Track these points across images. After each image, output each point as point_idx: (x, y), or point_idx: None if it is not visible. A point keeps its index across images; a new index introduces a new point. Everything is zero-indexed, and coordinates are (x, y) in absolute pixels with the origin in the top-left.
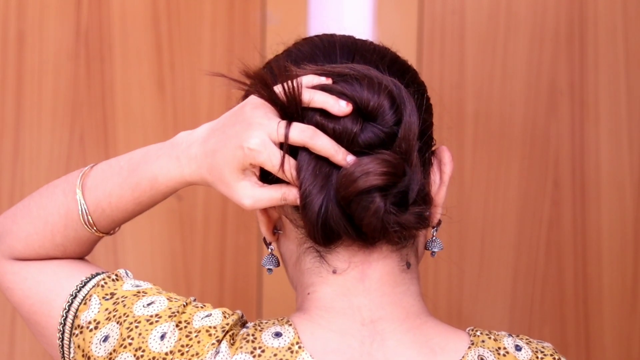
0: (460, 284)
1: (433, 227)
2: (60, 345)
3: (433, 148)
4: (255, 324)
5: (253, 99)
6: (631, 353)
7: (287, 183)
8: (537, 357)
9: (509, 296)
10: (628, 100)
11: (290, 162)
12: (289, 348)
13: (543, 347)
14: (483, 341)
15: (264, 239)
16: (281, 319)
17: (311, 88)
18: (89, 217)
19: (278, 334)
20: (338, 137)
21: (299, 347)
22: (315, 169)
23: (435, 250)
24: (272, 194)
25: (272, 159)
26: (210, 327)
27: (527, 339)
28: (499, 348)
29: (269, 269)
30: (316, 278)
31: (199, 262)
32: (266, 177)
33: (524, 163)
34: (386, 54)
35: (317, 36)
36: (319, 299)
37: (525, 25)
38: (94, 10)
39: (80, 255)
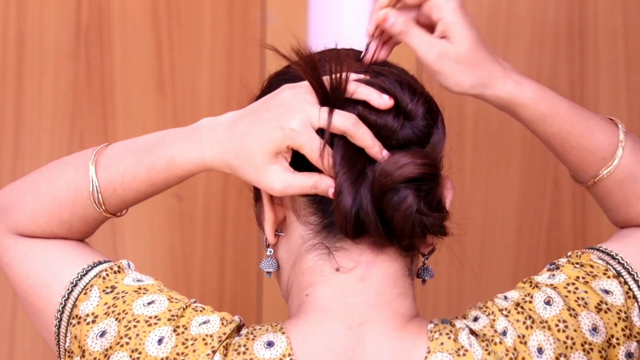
0: (460, 284)
1: (424, 256)
2: (56, 332)
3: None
4: (248, 332)
5: (290, 85)
6: None
7: (318, 172)
8: (486, 349)
9: None
10: (628, 100)
11: (328, 150)
12: (281, 359)
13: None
14: (442, 343)
15: (265, 240)
16: (275, 325)
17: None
18: (100, 196)
19: (270, 344)
20: (378, 130)
21: (291, 359)
22: (351, 161)
23: (427, 278)
24: (304, 181)
25: (312, 143)
26: (207, 335)
27: (473, 323)
28: (459, 349)
29: (268, 272)
30: (317, 277)
31: (199, 262)
32: (295, 166)
33: (524, 163)
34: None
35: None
36: (316, 300)
37: (525, 25)
38: (94, 10)
39: (85, 235)
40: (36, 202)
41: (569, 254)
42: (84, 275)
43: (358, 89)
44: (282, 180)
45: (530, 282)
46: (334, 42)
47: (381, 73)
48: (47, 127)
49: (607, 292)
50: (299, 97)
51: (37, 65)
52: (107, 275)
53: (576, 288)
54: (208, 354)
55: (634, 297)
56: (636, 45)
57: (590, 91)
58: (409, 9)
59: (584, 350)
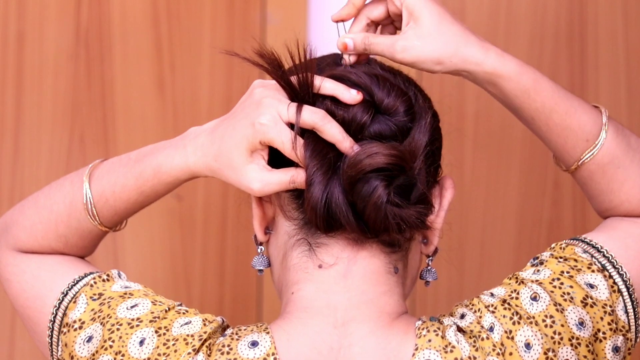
0: (460, 284)
1: (428, 257)
2: (49, 342)
3: (438, 178)
4: (232, 332)
5: (260, 82)
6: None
7: (295, 167)
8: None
9: None
10: (628, 100)
11: (299, 141)
12: (264, 359)
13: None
14: (429, 340)
15: (255, 238)
16: (260, 326)
17: (327, 76)
18: (93, 207)
19: (254, 344)
20: (347, 125)
21: (275, 359)
22: (322, 153)
23: (430, 279)
24: (282, 177)
25: (282, 135)
26: (188, 335)
27: (460, 320)
28: (446, 346)
29: (259, 269)
30: (302, 274)
31: (199, 262)
32: (273, 165)
33: (524, 163)
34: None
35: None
36: (301, 298)
37: (525, 25)
38: (94, 10)
39: (83, 252)
40: (34, 216)
41: (552, 246)
42: (74, 284)
43: (325, 83)
44: (260, 179)
45: (516, 278)
46: (333, 42)
47: (361, 69)
48: (47, 127)
49: (592, 286)
50: (269, 94)
51: (37, 65)
52: (96, 283)
53: (561, 283)
54: (189, 353)
55: (619, 291)
56: (636, 45)
57: (590, 91)
58: (382, 23)
59: (571, 345)
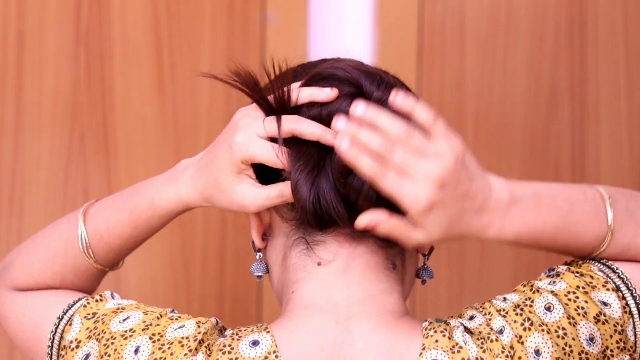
0: (460, 284)
1: (424, 255)
2: None
3: None
4: (233, 333)
5: (241, 109)
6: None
7: (283, 181)
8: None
9: None
10: (628, 100)
11: (282, 149)
12: (266, 357)
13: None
14: (437, 341)
15: (252, 244)
16: (260, 326)
17: (313, 74)
18: (87, 244)
19: (255, 343)
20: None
21: (276, 357)
22: (305, 154)
23: (426, 278)
24: (270, 192)
25: (262, 148)
26: (182, 337)
27: (469, 322)
28: (454, 346)
29: (258, 275)
30: (301, 273)
31: (199, 263)
32: (267, 182)
33: (524, 163)
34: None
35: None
36: (301, 297)
37: (525, 25)
38: (94, 11)
39: (80, 289)
40: (31, 253)
41: (568, 262)
42: (68, 309)
43: (300, 94)
44: (251, 196)
45: (532, 286)
46: (334, 42)
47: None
48: (47, 127)
49: (605, 304)
50: (244, 114)
51: (37, 65)
52: (89, 303)
53: (577, 297)
54: (185, 354)
55: (630, 312)
56: (636, 45)
57: (590, 91)
58: None
59: (580, 358)
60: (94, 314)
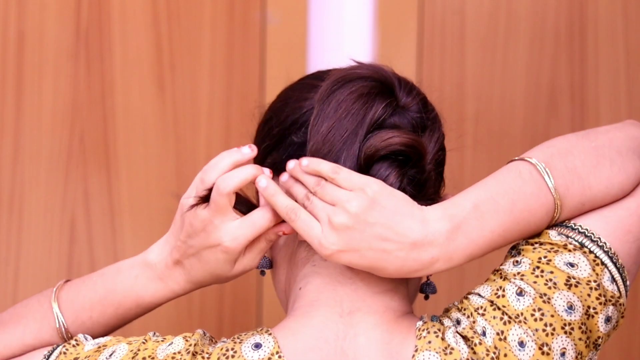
0: (460, 284)
1: None
2: None
3: (442, 194)
4: (234, 338)
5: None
6: (631, 355)
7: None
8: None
9: None
10: (628, 100)
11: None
12: (269, 358)
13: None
14: (430, 342)
15: None
16: (260, 330)
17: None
18: (66, 329)
19: (258, 345)
20: (365, 119)
21: (279, 357)
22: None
23: (429, 294)
24: (249, 230)
25: (199, 214)
26: (175, 353)
27: (460, 315)
28: (446, 347)
29: (262, 270)
30: (309, 268)
31: None
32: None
33: None
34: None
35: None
36: (308, 292)
37: (525, 25)
38: (94, 10)
39: None
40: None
41: (527, 239)
42: (47, 358)
43: (232, 182)
44: (237, 238)
45: (500, 273)
46: (334, 42)
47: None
48: (47, 127)
49: (571, 265)
50: (209, 215)
51: (37, 65)
52: (67, 350)
53: (542, 271)
54: None
55: (602, 263)
56: (636, 45)
57: (590, 91)
58: None
59: (565, 332)
60: (76, 358)
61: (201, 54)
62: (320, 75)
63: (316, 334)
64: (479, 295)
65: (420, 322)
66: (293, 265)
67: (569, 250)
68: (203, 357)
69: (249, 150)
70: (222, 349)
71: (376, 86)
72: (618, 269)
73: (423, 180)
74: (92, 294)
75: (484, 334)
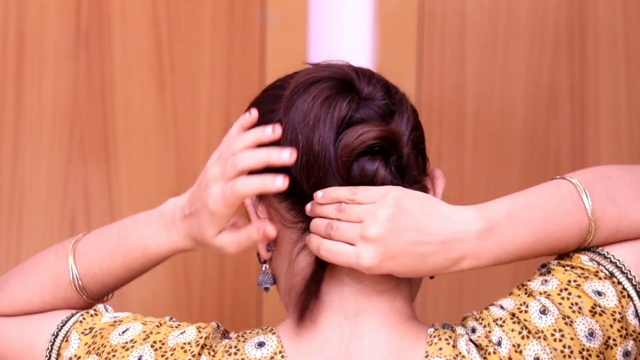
0: (460, 284)
1: None
2: None
3: (427, 171)
4: (238, 335)
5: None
6: None
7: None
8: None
9: None
10: (628, 100)
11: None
12: (272, 357)
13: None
14: (440, 349)
15: (257, 256)
16: (265, 328)
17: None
18: (80, 282)
19: (261, 344)
20: (333, 121)
21: (282, 357)
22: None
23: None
24: (241, 238)
25: (223, 200)
26: (184, 343)
27: (472, 333)
28: (457, 355)
29: (265, 287)
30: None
31: (199, 263)
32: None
33: (524, 163)
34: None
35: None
36: None
37: (525, 25)
38: (94, 10)
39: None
40: (18, 283)
41: (560, 255)
42: (63, 325)
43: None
44: (229, 242)
45: (525, 289)
46: (334, 42)
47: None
48: (47, 127)
49: (599, 293)
50: (207, 170)
51: (37, 65)
52: (84, 319)
53: (569, 293)
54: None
55: (629, 296)
56: (636, 45)
57: (590, 91)
58: None
59: (582, 357)
60: (91, 328)
61: (201, 54)
62: (282, 85)
63: (320, 336)
64: (501, 307)
65: (432, 329)
66: (292, 274)
67: (599, 278)
68: (209, 353)
69: (271, 132)
70: (226, 346)
71: (336, 85)
72: None
73: (403, 165)
74: (107, 244)
75: (499, 343)
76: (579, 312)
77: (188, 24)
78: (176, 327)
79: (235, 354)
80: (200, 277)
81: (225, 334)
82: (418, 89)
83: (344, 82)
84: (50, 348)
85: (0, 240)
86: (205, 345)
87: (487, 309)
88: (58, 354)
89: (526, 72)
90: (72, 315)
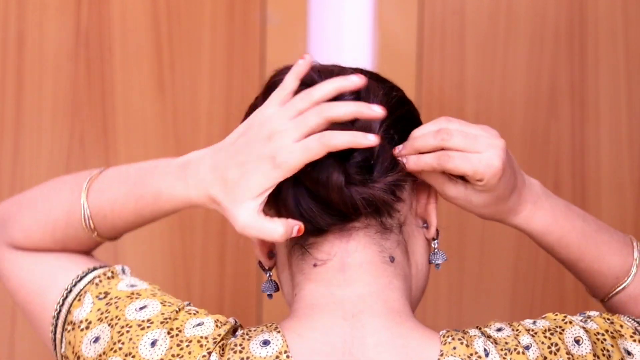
0: (460, 284)
1: (433, 239)
2: (52, 338)
3: None
4: (244, 333)
5: (257, 111)
6: None
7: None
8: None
9: (509, 296)
10: (628, 100)
11: (320, 144)
12: (277, 357)
13: (509, 338)
14: (454, 348)
15: (260, 264)
16: (270, 325)
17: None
18: (91, 222)
19: (266, 342)
20: None
21: (287, 357)
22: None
23: (439, 262)
24: (273, 227)
25: (298, 157)
26: (201, 337)
27: (496, 332)
28: (471, 354)
29: (268, 294)
30: (300, 276)
31: (199, 263)
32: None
33: (524, 163)
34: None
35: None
36: (304, 297)
37: (525, 25)
38: (94, 10)
39: (81, 252)
40: (31, 218)
41: (599, 313)
42: (78, 281)
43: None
44: (245, 219)
45: (564, 317)
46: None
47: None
48: (47, 127)
49: (629, 353)
50: (271, 118)
51: (37, 66)
52: (101, 281)
53: (604, 339)
54: (204, 356)
55: None
56: (636, 45)
57: (590, 91)
58: None
59: None
60: (106, 293)
61: (201, 54)
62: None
63: (322, 338)
64: (534, 322)
65: (444, 331)
66: (289, 278)
67: (634, 340)
68: (219, 352)
69: (358, 80)
70: (231, 344)
71: (299, 90)
72: None
73: (375, 158)
74: (122, 186)
75: (527, 348)
76: (608, 358)
77: (188, 24)
78: (194, 314)
79: (241, 352)
80: (200, 276)
81: (235, 331)
82: (418, 89)
83: (305, 84)
84: (62, 302)
85: None
86: (219, 343)
87: (517, 322)
88: (68, 311)
89: (526, 72)
90: (89, 271)
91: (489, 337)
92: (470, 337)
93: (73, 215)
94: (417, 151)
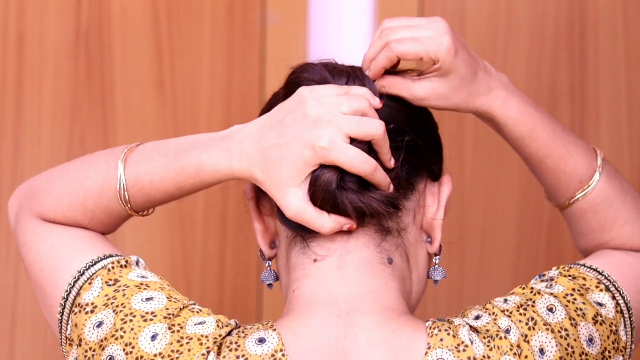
0: (460, 284)
1: (435, 255)
2: (59, 319)
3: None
4: (239, 330)
5: (307, 89)
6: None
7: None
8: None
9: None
10: (628, 100)
11: (369, 161)
12: (272, 355)
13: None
14: (441, 339)
15: (260, 253)
16: (265, 323)
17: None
18: (126, 193)
19: (262, 340)
20: None
21: (282, 355)
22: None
23: (438, 278)
24: (317, 217)
25: (349, 157)
26: (202, 335)
27: (474, 321)
28: (459, 344)
29: (268, 284)
30: (300, 271)
31: (199, 262)
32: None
33: (524, 163)
34: None
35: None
36: (302, 294)
37: (525, 25)
38: (94, 10)
39: (106, 229)
40: (63, 187)
41: (555, 267)
42: (92, 265)
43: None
44: (297, 209)
45: (531, 289)
46: (334, 42)
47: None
48: (47, 127)
49: (600, 304)
50: (323, 111)
51: (37, 65)
52: (113, 267)
53: (574, 299)
54: (203, 354)
55: (621, 311)
56: (636, 45)
57: (590, 91)
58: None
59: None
60: (116, 280)
61: (201, 54)
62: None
63: (316, 335)
64: (505, 300)
65: (430, 322)
66: (288, 270)
67: (600, 290)
68: (217, 347)
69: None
70: (227, 342)
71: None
72: (631, 323)
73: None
74: (162, 158)
75: (507, 331)
76: (583, 317)
77: (188, 24)
78: (197, 312)
79: (236, 349)
80: (200, 276)
81: (231, 333)
82: None
83: (318, 84)
84: (72, 284)
85: (0, 241)
86: (217, 344)
87: (489, 302)
88: (78, 293)
89: (526, 72)
90: (104, 257)
91: (471, 326)
92: (456, 326)
93: (108, 184)
94: (370, 60)
